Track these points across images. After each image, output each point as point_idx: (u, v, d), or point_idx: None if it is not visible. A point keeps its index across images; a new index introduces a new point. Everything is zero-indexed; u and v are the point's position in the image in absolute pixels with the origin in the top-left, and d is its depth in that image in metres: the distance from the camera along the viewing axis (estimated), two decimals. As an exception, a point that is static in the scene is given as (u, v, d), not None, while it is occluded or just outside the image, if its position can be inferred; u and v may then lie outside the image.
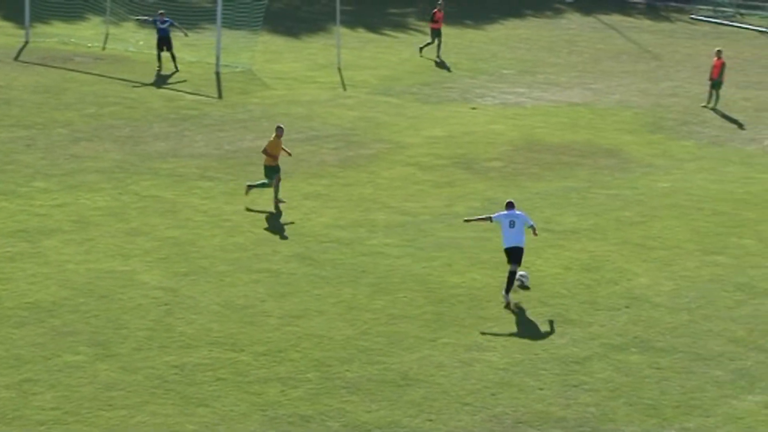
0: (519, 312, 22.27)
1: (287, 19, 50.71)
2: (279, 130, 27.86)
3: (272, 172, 27.60)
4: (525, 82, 41.84)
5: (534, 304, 22.62)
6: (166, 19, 39.58)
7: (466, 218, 24.89)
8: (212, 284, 22.99)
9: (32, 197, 27.10)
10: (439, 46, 44.40)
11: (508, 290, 22.67)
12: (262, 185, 27.67)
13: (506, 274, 22.70)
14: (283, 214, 27.08)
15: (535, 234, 23.27)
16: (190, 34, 41.66)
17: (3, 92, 35.43)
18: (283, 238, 25.63)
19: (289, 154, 28.44)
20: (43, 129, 31.90)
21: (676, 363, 20.43)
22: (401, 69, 42.97)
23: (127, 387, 18.78)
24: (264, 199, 27.93)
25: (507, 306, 22.55)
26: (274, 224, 26.41)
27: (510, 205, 23.09)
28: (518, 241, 22.69)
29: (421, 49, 44.88)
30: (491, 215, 23.36)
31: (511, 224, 22.70)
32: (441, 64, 43.53)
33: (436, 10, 44.79)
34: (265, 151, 27.65)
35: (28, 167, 29.07)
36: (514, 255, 22.66)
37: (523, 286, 23.36)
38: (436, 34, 44.47)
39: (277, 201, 27.56)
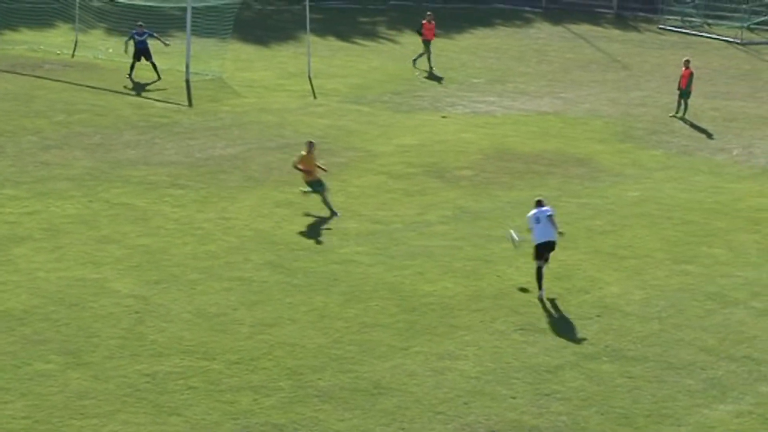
0: (491, 321, 22.31)
1: (257, 28, 50.66)
2: (309, 145, 27.92)
3: (317, 185, 27.66)
4: (495, 91, 41.96)
5: (505, 313, 22.66)
6: (145, 31, 39.50)
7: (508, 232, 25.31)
8: (184, 292, 22.92)
9: (2, 204, 26.95)
10: (429, 57, 44.24)
11: (540, 285, 23.32)
12: (311, 192, 28.03)
13: (534, 272, 23.45)
14: (254, 222, 27.04)
15: (559, 233, 23.71)
16: (164, 40, 41.56)
17: (-29, 99, 35.26)
18: (255, 246, 25.59)
19: (325, 170, 28.26)
20: (12, 136, 31.73)
21: (648, 372, 20.51)
22: (371, 77, 43.01)
23: (99, 396, 18.71)
24: (235, 207, 27.88)
25: (540, 299, 23.23)
26: (246, 233, 26.36)
27: (539, 203, 23.65)
28: (550, 235, 23.39)
29: (414, 61, 44.63)
30: (529, 217, 23.87)
31: (537, 220, 23.41)
32: (432, 76, 43.39)
33: (425, 21, 44.64)
34: (297, 167, 27.72)
35: (-3, 175, 28.96)
36: (547, 250, 23.36)
37: (513, 241, 24.11)
38: (427, 44, 44.31)
39: (332, 212, 27.71)
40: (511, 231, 24.57)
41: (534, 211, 23.68)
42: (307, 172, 27.86)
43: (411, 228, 27.29)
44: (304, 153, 27.96)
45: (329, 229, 26.89)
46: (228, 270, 24.18)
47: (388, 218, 27.90)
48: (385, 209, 28.52)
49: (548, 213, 23.60)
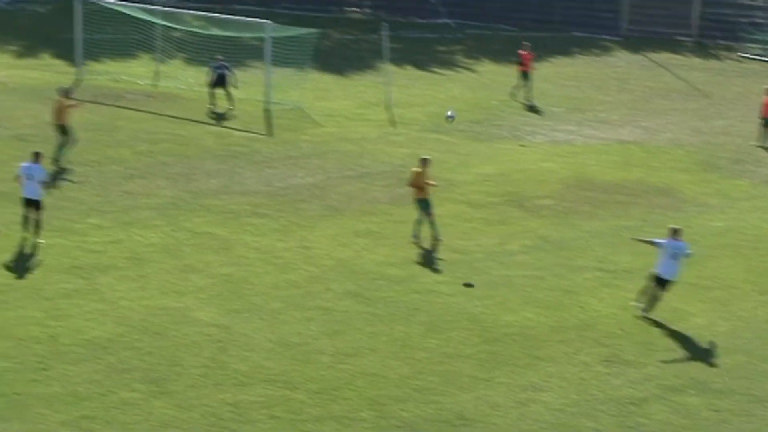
0: (574, 352, 22.10)
1: (336, 57, 50.88)
2: (423, 162, 28.02)
3: (424, 205, 27.79)
4: (575, 119, 41.73)
5: (589, 344, 22.45)
6: (224, 63, 39.93)
7: (634, 237, 25.66)
8: (265, 321, 22.99)
9: (87, 234, 27.24)
10: (526, 88, 43.97)
11: (647, 310, 23.54)
12: (419, 223, 27.89)
13: (648, 297, 23.61)
14: (334, 251, 27.08)
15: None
16: (239, 71, 41.86)
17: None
18: (335, 275, 25.62)
19: (435, 185, 28.36)
20: (97, 166, 32.09)
21: (735, 405, 20.20)
22: (450, 106, 42.93)
23: (183, 424, 18.79)
24: (315, 236, 27.95)
25: (644, 311, 23.54)
26: (327, 262, 26.40)
27: (675, 232, 23.47)
28: (673, 275, 23.35)
29: (512, 94, 44.30)
30: (658, 240, 23.69)
31: (674, 256, 23.20)
32: (531, 107, 43.19)
33: (523, 52, 44.43)
34: (412, 185, 27.79)
35: (82, 204, 29.24)
36: (666, 285, 23.32)
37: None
38: (525, 76, 44.08)
39: (436, 238, 27.72)
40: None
41: (669, 240, 23.34)
42: (418, 188, 27.87)
43: (492, 257, 27.16)
44: (417, 169, 27.99)
45: (411, 258, 26.86)
46: (309, 299, 24.22)
47: (469, 248, 27.79)
48: (466, 239, 28.41)
49: (686, 252, 23.38)
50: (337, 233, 28.33)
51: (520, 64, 44.47)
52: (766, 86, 39.45)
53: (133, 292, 24.07)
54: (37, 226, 26.47)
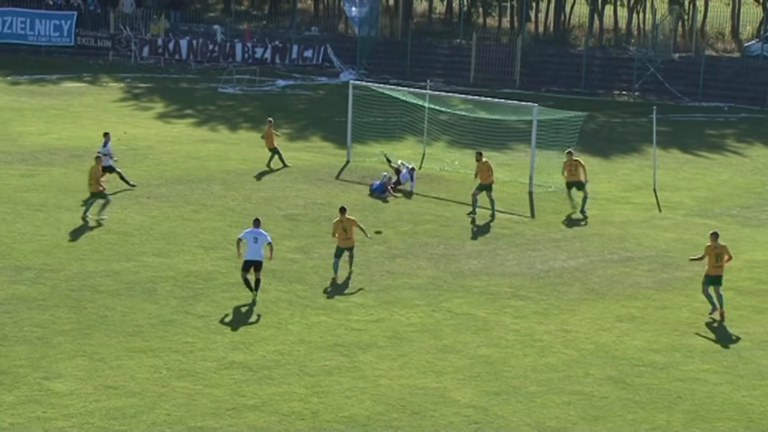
0: None
1: (600, 140, 50.54)
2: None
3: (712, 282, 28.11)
4: None
5: None
6: None
7: None
8: (523, 404, 22.77)
9: (349, 312, 27.73)
10: None
11: None
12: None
13: None
14: (595, 335, 26.65)
15: None
16: (502, 153, 41.96)
17: (324, 209, 36.62)
18: (595, 360, 25.19)
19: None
20: (361, 245, 32.70)
21: None
22: (719, 191, 41.95)
23: (438, 505, 18.70)
24: (576, 320, 27.60)
25: None
26: (586, 346, 26.01)
27: None
28: None
29: None
30: None
31: None
32: None
33: None
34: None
35: (345, 283, 29.82)
36: None
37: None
38: None
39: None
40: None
41: None
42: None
43: (760, 347, 26.18)
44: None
45: (674, 344, 26.17)
46: (568, 383, 23.88)
47: (737, 335, 26.88)
48: (734, 327, 27.50)
49: None
50: (598, 317, 27.91)
51: None
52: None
53: (392, 371, 24.29)
54: (257, 285, 28.07)
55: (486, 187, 37.27)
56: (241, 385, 23.24)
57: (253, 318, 27.03)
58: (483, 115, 45.73)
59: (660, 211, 38.74)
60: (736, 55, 66.92)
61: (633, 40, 69.56)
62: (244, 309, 27.57)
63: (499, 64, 65.17)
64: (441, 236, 34.50)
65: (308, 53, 67.58)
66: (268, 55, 67.34)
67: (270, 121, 43.57)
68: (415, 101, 46.12)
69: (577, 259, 32.66)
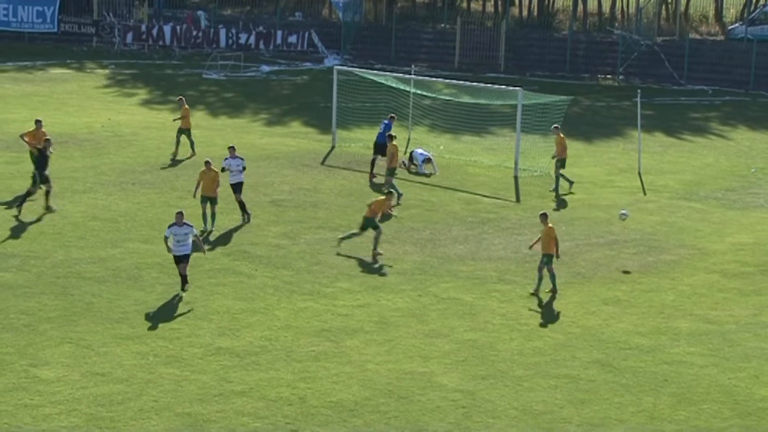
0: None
1: (585, 124, 50.57)
2: None
3: None
4: (837, 187, 40.09)
5: None
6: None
7: None
8: (510, 388, 22.82)
9: (336, 297, 27.74)
10: None
11: None
12: None
13: None
14: (581, 318, 26.71)
15: None
16: (486, 138, 41.96)
17: (310, 195, 36.63)
18: (582, 343, 25.25)
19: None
20: (348, 231, 32.66)
21: None
22: (704, 174, 42.04)
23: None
24: (562, 304, 27.64)
25: None
26: (573, 329, 26.07)
27: None
28: None
29: None
30: None
31: None
32: None
33: None
34: None
35: (332, 268, 29.82)
36: None
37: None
38: None
39: None
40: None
41: None
42: None
43: (746, 329, 26.28)
44: None
45: (660, 327, 26.25)
46: (555, 367, 23.94)
47: (722, 318, 26.98)
48: (718, 309, 27.60)
49: None
50: (584, 300, 27.97)
51: None
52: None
53: (379, 356, 24.31)
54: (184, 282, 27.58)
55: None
56: (228, 371, 23.23)
57: (240, 304, 27.01)
58: (468, 99, 45.71)
59: (645, 194, 38.81)
60: (721, 38, 67.01)
61: (617, 24, 69.58)
62: (230, 295, 27.55)
63: (484, 48, 65.13)
64: (427, 221, 34.51)
65: (292, 39, 67.47)
66: (252, 40, 67.19)
67: (182, 99, 42.41)
68: (399, 86, 46.08)
69: (563, 243, 32.62)
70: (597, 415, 21.72)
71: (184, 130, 41.10)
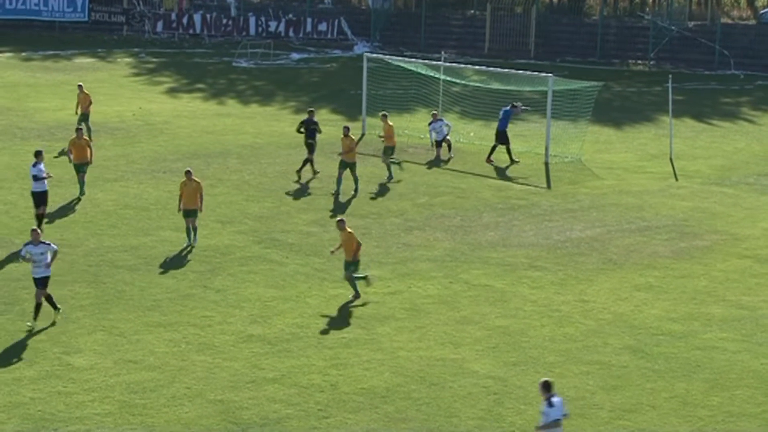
0: None
1: (616, 110, 50.37)
2: None
3: None
4: None
5: None
6: (520, 107, 40.49)
7: None
8: (542, 374, 22.70)
9: (370, 285, 27.72)
10: None
11: None
12: None
13: None
14: (613, 305, 26.64)
15: None
16: (521, 123, 41.95)
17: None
18: (613, 329, 25.18)
19: None
20: (378, 218, 32.70)
21: None
22: (736, 159, 41.81)
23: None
24: (594, 290, 27.57)
25: None
26: (604, 315, 25.99)
27: None
28: None
29: None
30: None
31: None
32: None
33: None
34: None
35: (363, 256, 29.75)
36: None
37: None
38: None
39: None
40: None
41: None
42: None
43: (779, 314, 26.17)
44: None
45: (692, 313, 26.15)
46: (586, 353, 23.88)
47: (755, 303, 26.84)
48: (751, 294, 27.46)
49: None
50: (616, 287, 27.88)
51: None
52: None
53: (411, 342, 24.32)
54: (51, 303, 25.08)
55: (350, 165, 35.71)
56: (260, 358, 23.31)
57: (271, 292, 27.07)
58: (497, 86, 45.59)
59: (677, 180, 38.63)
60: (752, 22, 66.54)
61: (648, 9, 69.21)
62: (261, 283, 27.61)
63: (514, 34, 64.94)
64: (458, 208, 34.48)
65: (322, 26, 67.47)
66: (282, 28, 67.25)
67: (80, 86, 41.17)
68: (429, 73, 45.99)
69: (594, 229, 32.61)
70: (629, 401, 21.67)
71: (83, 114, 40.32)
